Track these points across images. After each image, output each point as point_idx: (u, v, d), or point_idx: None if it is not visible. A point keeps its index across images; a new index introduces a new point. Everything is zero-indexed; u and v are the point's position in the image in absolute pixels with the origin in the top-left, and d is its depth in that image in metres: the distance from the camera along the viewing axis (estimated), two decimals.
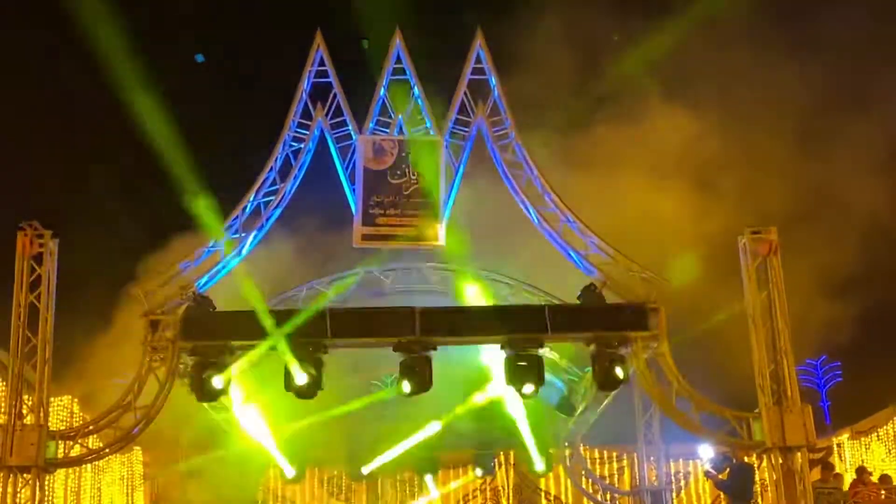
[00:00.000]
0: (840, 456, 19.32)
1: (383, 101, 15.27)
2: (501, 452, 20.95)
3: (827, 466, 16.38)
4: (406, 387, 14.13)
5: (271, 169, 14.88)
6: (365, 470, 19.67)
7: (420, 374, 14.02)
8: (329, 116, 15.20)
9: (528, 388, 14.09)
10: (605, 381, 14.10)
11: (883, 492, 15.73)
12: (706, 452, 16.69)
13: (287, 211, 15.05)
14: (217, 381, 13.84)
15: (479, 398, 16.57)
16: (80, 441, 13.88)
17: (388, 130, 15.24)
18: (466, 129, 15.24)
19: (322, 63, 15.24)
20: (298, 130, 15.17)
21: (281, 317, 13.97)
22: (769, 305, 13.60)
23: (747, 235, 13.84)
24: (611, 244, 14.48)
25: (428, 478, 20.65)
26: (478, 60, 15.28)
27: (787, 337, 13.47)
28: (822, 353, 21.71)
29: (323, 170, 15.26)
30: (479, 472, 20.88)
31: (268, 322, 13.80)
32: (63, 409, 15.72)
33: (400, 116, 15.19)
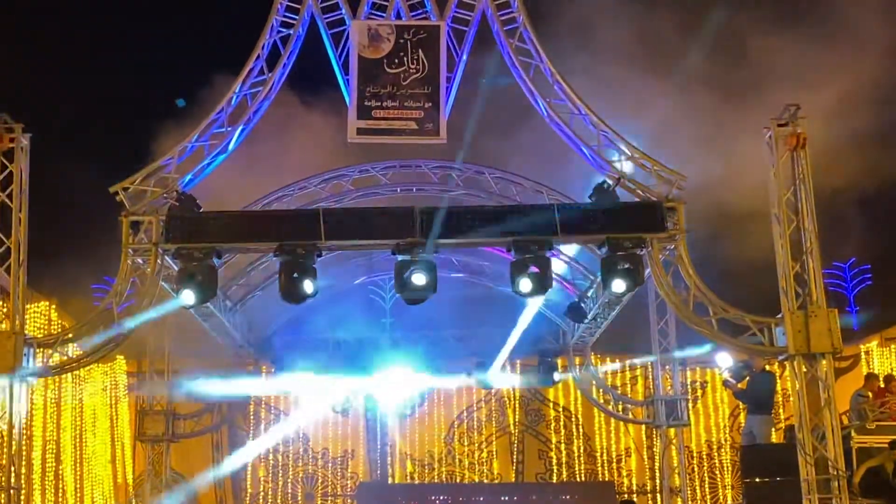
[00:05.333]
0: (868, 364, 18.91)
1: None
2: (507, 361, 20.46)
3: (871, 378, 15.72)
4: (406, 293, 13.39)
5: (258, 58, 13.86)
6: (363, 379, 19.22)
7: (422, 279, 13.17)
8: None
9: (536, 292, 13.42)
10: (618, 286, 13.40)
11: None
12: (725, 360, 16.34)
13: (276, 103, 14.15)
14: (204, 286, 13.14)
15: None
16: (58, 349, 13.24)
17: (384, 15, 14.15)
18: (470, 14, 14.19)
19: None
20: (287, 15, 14.09)
21: (271, 218, 13.37)
22: (795, 203, 12.77)
23: (774, 128, 12.94)
24: (625, 138, 13.57)
25: (429, 386, 20.15)
26: None
27: (814, 237, 12.67)
28: (851, 255, 20.84)
29: (315, 59, 14.28)
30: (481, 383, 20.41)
31: (257, 224, 13.24)
32: (40, 316, 15.21)
33: None
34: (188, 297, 13.21)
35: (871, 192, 18.47)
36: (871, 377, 15.89)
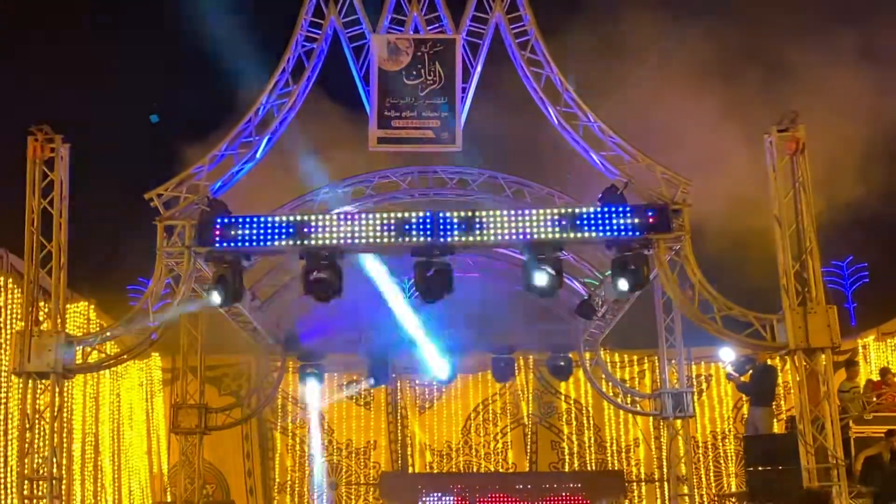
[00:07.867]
0: (865, 358, 19.14)
1: None
2: (521, 356, 20.95)
3: (851, 365, 16.14)
4: (425, 292, 13.95)
5: (283, 70, 14.41)
6: (383, 375, 19.73)
7: (439, 279, 13.77)
8: (342, 15, 14.65)
9: (548, 291, 13.94)
10: (626, 284, 13.88)
11: None
12: (728, 355, 16.85)
13: (301, 114, 14.62)
14: (233, 287, 13.74)
15: None
16: (97, 347, 13.84)
17: (402, 29, 14.68)
18: (484, 27, 14.69)
19: None
20: (310, 30, 14.64)
21: (296, 222, 13.77)
22: (795, 204, 13.21)
23: (774, 133, 13.39)
24: (632, 144, 14.07)
25: (446, 382, 20.69)
26: None
27: (812, 236, 13.12)
28: (849, 253, 21.20)
29: (338, 71, 14.82)
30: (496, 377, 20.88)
31: (283, 227, 13.65)
32: (80, 316, 15.67)
33: (415, 14, 14.63)
34: (217, 297, 13.79)
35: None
36: (850, 364, 16.17)
